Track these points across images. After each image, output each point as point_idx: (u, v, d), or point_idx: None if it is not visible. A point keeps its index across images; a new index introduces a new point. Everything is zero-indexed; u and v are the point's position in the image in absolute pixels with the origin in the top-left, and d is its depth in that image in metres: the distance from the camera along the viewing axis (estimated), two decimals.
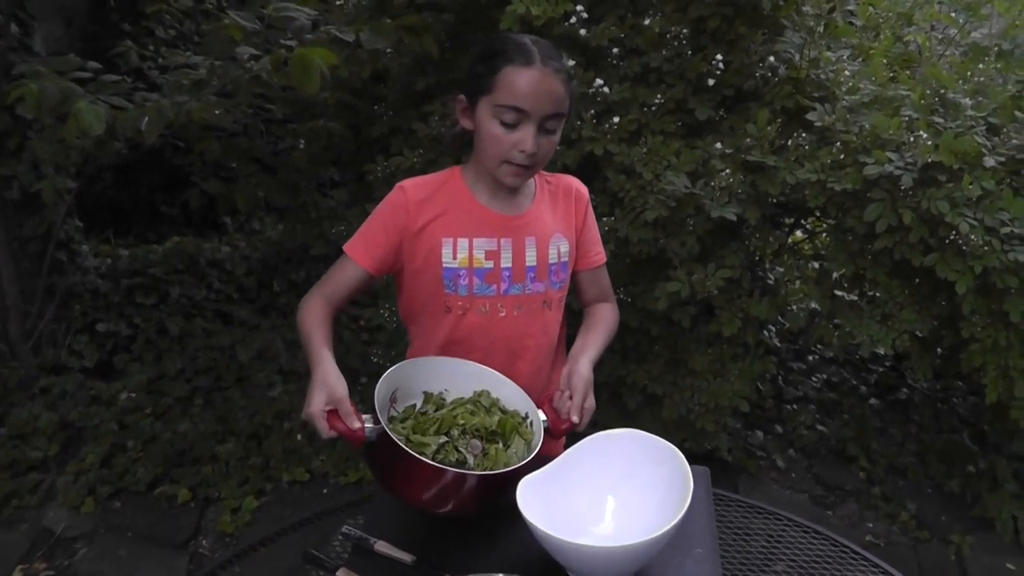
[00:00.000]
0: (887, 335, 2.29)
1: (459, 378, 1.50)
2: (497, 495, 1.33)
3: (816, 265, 2.91)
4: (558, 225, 1.61)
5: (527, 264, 1.56)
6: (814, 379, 3.90)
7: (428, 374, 1.49)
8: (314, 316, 1.49)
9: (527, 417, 1.47)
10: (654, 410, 2.92)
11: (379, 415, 1.31)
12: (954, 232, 2.13)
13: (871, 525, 3.04)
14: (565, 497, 1.37)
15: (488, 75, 1.44)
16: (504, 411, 1.48)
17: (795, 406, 3.69)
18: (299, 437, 3.38)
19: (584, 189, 1.68)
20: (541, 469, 1.36)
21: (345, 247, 1.54)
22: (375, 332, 3.73)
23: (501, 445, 1.42)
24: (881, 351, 2.54)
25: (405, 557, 1.36)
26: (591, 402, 1.48)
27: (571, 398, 1.46)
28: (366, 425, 1.30)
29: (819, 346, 4.12)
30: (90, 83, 2.74)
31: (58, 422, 3.36)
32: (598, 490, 1.40)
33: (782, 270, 2.98)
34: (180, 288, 4.12)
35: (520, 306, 1.58)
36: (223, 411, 3.50)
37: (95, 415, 3.42)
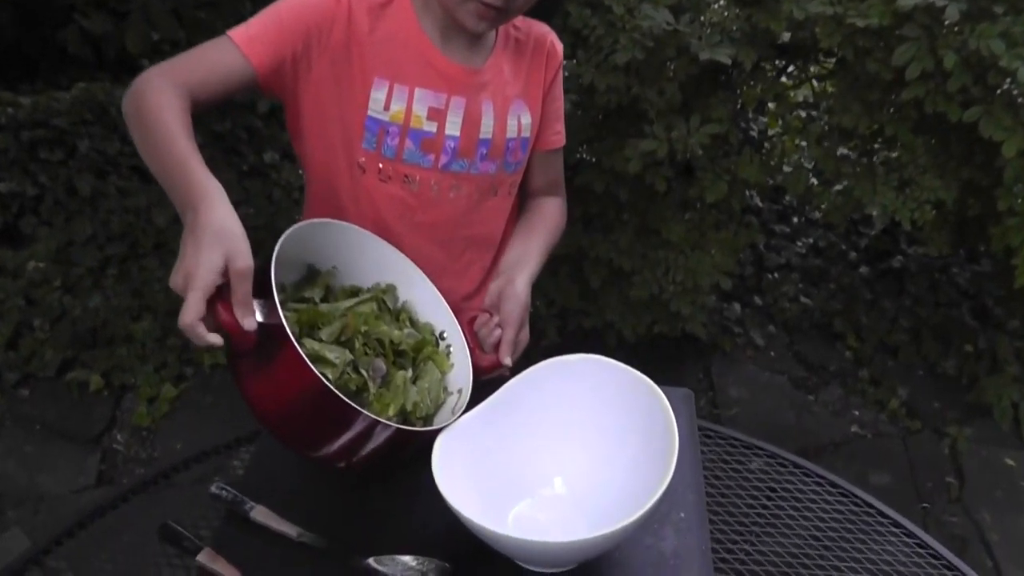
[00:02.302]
0: (905, 205, 1.90)
1: (358, 257, 1.09)
2: (410, 451, 0.98)
3: (817, 117, 2.47)
4: (520, 88, 1.21)
5: (480, 136, 1.18)
6: (799, 244, 3.56)
7: (318, 243, 1.05)
8: (173, 109, 0.98)
9: (444, 337, 1.09)
10: (621, 289, 2.57)
11: (279, 309, 0.86)
12: (1009, 80, 1.70)
13: (857, 413, 2.77)
14: (502, 448, 1.03)
15: None
16: (414, 322, 1.10)
17: (777, 275, 3.36)
18: None
19: (559, 46, 1.26)
20: (470, 412, 1.01)
21: (230, 32, 1.07)
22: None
23: (409, 374, 1.03)
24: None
25: (290, 530, 1.02)
26: (525, 335, 1.10)
27: (501, 328, 1.11)
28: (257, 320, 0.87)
29: (799, 209, 3.75)
30: None
31: None
32: (547, 439, 1.05)
33: (773, 126, 2.55)
34: (90, 141, 3.64)
35: (459, 187, 1.19)
36: (139, 283, 3.13)
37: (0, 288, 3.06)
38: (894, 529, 1.21)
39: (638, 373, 1.01)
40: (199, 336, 0.83)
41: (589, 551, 0.90)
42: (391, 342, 1.04)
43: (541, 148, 1.29)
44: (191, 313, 0.82)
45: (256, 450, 1.19)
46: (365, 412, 0.87)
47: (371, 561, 0.95)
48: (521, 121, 1.21)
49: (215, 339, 0.84)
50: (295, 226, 0.97)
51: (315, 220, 1.04)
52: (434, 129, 1.14)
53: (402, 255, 1.11)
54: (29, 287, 3.09)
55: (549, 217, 1.33)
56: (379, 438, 0.92)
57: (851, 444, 2.64)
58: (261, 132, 4.00)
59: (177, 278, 0.84)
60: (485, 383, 1.06)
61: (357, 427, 0.89)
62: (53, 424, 2.67)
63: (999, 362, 2.77)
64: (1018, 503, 2.46)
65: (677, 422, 0.95)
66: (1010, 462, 2.57)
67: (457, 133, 1.16)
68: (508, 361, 1.11)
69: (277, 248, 0.91)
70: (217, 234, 0.84)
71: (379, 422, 0.89)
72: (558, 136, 1.31)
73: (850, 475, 2.48)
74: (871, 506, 1.23)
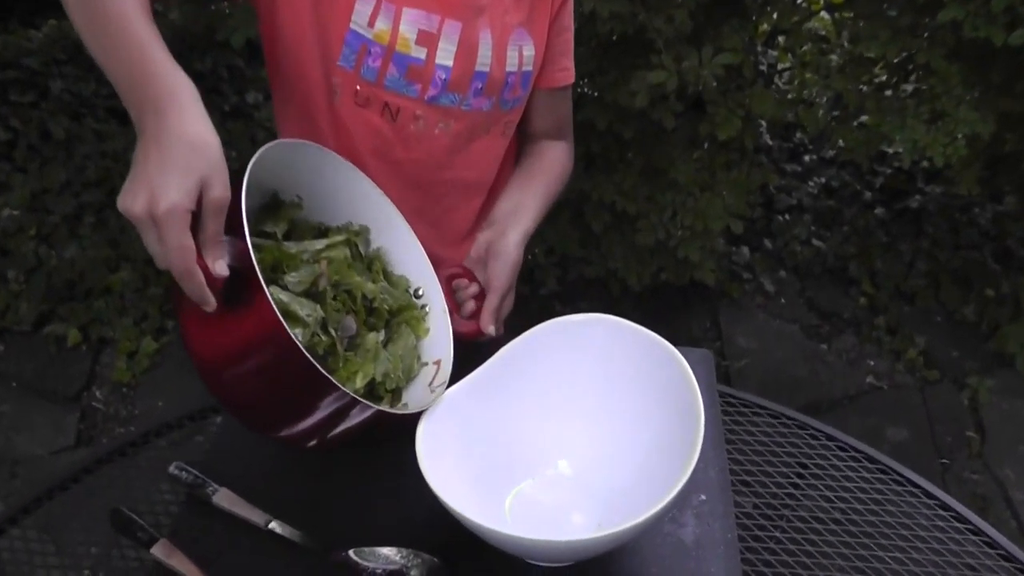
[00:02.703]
0: (937, 140, 1.73)
1: (331, 189, 0.92)
2: (384, 432, 0.83)
3: (834, 48, 2.29)
4: (524, 16, 1.05)
5: (476, 68, 1.02)
6: (810, 184, 3.39)
7: (287, 167, 0.87)
8: None
9: (420, 295, 0.94)
10: (625, 234, 2.40)
11: (251, 253, 0.70)
12: None
13: (872, 363, 2.64)
14: (497, 426, 0.89)
15: None
16: (387, 273, 0.95)
17: (788, 216, 3.20)
18: None
19: None
20: (457, 384, 0.87)
21: None
22: None
23: (381, 336, 0.89)
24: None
25: (258, 518, 0.89)
26: (511, 301, 0.96)
27: (483, 294, 0.97)
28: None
29: (812, 146, 3.57)
30: None
31: None
32: (550, 414, 0.91)
33: (784, 60, 2.36)
34: (63, 82, 3.50)
35: (446, 123, 1.04)
36: (116, 231, 3.00)
37: None
38: (913, 489, 1.09)
39: (655, 336, 0.87)
40: (199, 285, 0.68)
41: (597, 549, 0.76)
42: (363, 297, 0.89)
43: (546, 85, 1.13)
44: (185, 252, 0.65)
45: (220, 424, 1.05)
46: (344, 388, 0.73)
47: (350, 554, 0.82)
48: (523, 53, 1.05)
49: (212, 299, 0.70)
50: (267, 146, 0.79)
51: (289, 140, 0.85)
52: (423, 56, 0.98)
53: (382, 193, 0.94)
54: (3, 237, 2.95)
55: (551, 164, 1.18)
56: (353, 419, 0.78)
57: (866, 397, 2.52)
58: (243, 72, 3.81)
59: (135, 202, 0.65)
60: (474, 348, 0.92)
61: (329, 405, 0.75)
62: (30, 382, 2.54)
63: (1022, 307, 2.63)
64: None
65: (696, 379, 0.82)
66: None
67: (449, 63, 1.00)
68: (491, 331, 0.96)
69: (247, 174, 0.73)
70: (192, 147, 0.67)
71: (359, 401, 0.74)
72: (566, 72, 1.14)
73: (865, 430, 2.37)
74: (889, 468, 1.11)
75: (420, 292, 0.94)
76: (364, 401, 0.75)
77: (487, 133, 1.09)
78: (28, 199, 3.06)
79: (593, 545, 0.74)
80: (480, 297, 0.99)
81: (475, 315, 0.97)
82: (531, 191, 1.11)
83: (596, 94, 2.20)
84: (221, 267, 0.69)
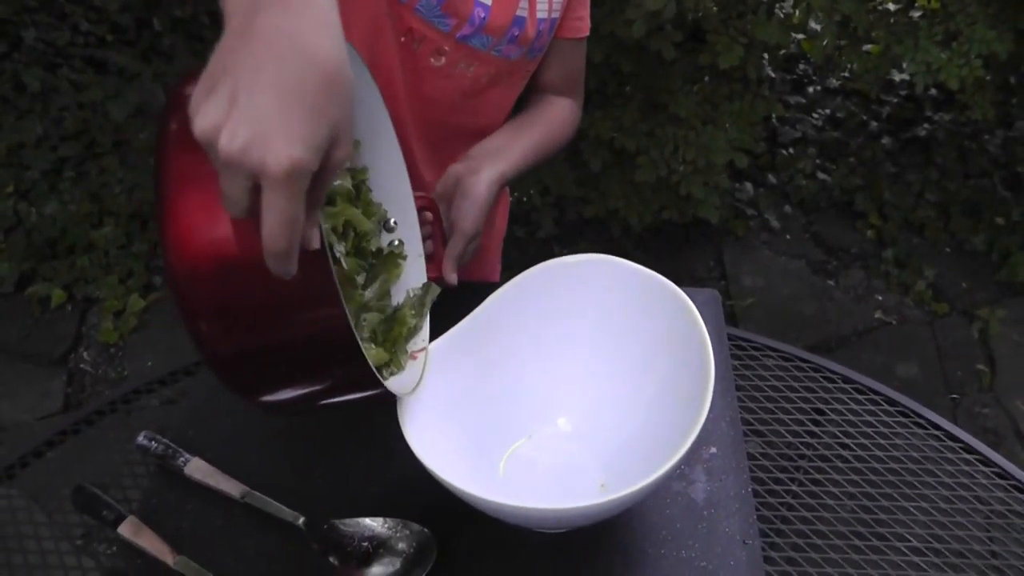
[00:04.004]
0: (952, 62, 1.63)
1: None
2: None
3: None
4: None
5: (516, 13, 0.93)
6: (815, 116, 3.27)
7: None
8: None
9: (393, 228, 0.84)
10: (624, 172, 2.30)
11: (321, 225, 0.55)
12: None
13: (880, 298, 2.56)
14: (489, 381, 0.82)
15: None
16: (368, 202, 0.82)
17: (792, 150, 3.10)
18: None
19: None
20: (443, 336, 0.79)
21: None
22: None
23: (361, 281, 0.78)
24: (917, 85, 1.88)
25: (232, 489, 0.82)
26: (477, 246, 0.87)
27: (444, 237, 0.88)
28: None
29: (815, 77, 3.44)
30: None
31: None
32: (545, 365, 0.83)
33: None
34: (36, 31, 3.34)
35: (469, 66, 0.95)
36: (97, 186, 2.90)
37: None
38: (926, 425, 1.03)
39: (657, 275, 0.79)
40: (289, 258, 0.49)
41: (601, 515, 0.70)
42: (356, 234, 0.77)
43: (559, 35, 1.03)
44: (295, 225, 0.47)
45: (193, 390, 0.98)
46: (373, 368, 0.61)
47: (332, 526, 0.76)
48: (552, 0, 0.96)
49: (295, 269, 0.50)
50: None
51: None
52: None
53: (383, 104, 0.79)
54: None
55: (553, 117, 1.08)
56: (352, 393, 0.67)
57: (875, 332, 2.45)
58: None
59: (233, 137, 0.45)
60: (456, 296, 0.83)
61: (342, 376, 0.64)
62: (13, 345, 2.47)
63: None
64: None
65: (704, 322, 0.74)
66: None
67: (489, 2, 0.90)
68: (453, 279, 0.86)
69: None
70: (326, 79, 0.47)
71: (376, 381, 0.63)
72: (581, 23, 1.05)
73: (874, 367, 2.30)
74: (901, 404, 1.04)
75: (393, 224, 0.83)
76: (380, 379, 0.63)
77: (507, 81, 1.00)
78: (4, 155, 2.96)
79: (596, 511, 0.67)
80: (441, 238, 0.90)
81: (434, 258, 0.87)
82: (522, 137, 1.02)
83: (592, 25, 2.09)
84: (315, 237, 0.53)
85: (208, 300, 0.56)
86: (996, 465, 0.99)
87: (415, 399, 0.72)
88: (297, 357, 0.60)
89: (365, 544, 0.75)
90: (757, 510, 0.81)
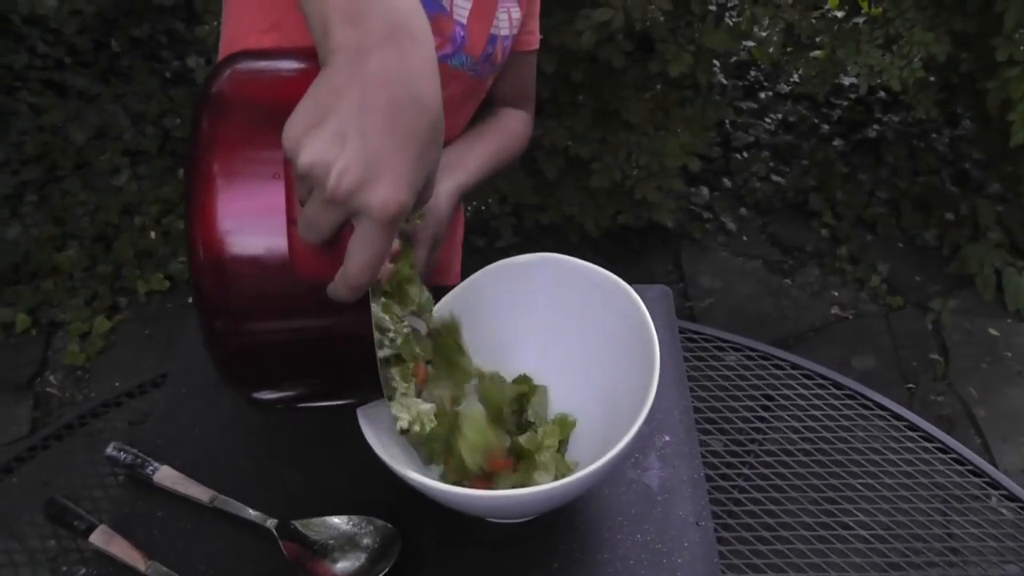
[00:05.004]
0: (893, 64, 1.69)
1: None
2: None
3: None
4: None
5: (492, 31, 0.95)
6: (767, 120, 3.35)
7: None
8: None
9: None
10: (579, 178, 2.34)
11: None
12: None
13: (836, 294, 2.63)
14: None
15: None
16: None
17: (746, 154, 3.17)
18: (152, 235, 2.79)
19: None
20: None
21: None
22: None
23: None
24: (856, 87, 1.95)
25: (201, 494, 0.84)
26: (435, 259, 0.91)
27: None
28: None
29: (767, 83, 3.52)
30: None
31: None
32: (497, 362, 0.85)
33: None
34: None
35: (448, 85, 0.97)
36: (60, 209, 2.89)
37: None
38: (881, 412, 1.08)
39: (605, 271, 0.82)
40: (356, 297, 0.52)
41: (557, 500, 0.73)
42: None
43: (513, 49, 1.06)
44: (382, 260, 0.50)
45: (160, 399, 1.00)
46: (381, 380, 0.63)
47: (297, 526, 0.78)
48: (512, 15, 0.99)
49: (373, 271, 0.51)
50: None
51: None
52: (448, 6, 0.91)
53: None
54: None
55: (507, 129, 1.11)
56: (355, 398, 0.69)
57: (832, 328, 2.51)
58: (182, 35, 3.66)
59: (345, 173, 0.46)
60: None
61: (353, 386, 0.65)
62: None
63: (981, 228, 2.64)
64: (1003, 375, 2.36)
65: (655, 325, 0.77)
66: (994, 332, 2.46)
67: (464, 19, 0.92)
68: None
69: None
70: (432, 126, 0.49)
71: (380, 390, 0.64)
72: (531, 37, 1.08)
73: (832, 360, 2.37)
74: (856, 392, 1.09)
75: None
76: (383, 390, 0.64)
77: (475, 98, 1.03)
78: None
79: (551, 496, 0.69)
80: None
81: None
82: (477, 149, 1.04)
83: (542, 37, 2.13)
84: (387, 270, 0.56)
85: (235, 298, 0.55)
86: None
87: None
88: (311, 363, 0.61)
89: (332, 542, 0.78)
90: (710, 494, 0.85)
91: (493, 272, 0.85)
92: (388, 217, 0.47)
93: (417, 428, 0.69)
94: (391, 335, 0.67)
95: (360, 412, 0.72)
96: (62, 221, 2.84)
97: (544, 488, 0.66)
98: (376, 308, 0.64)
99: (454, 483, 0.74)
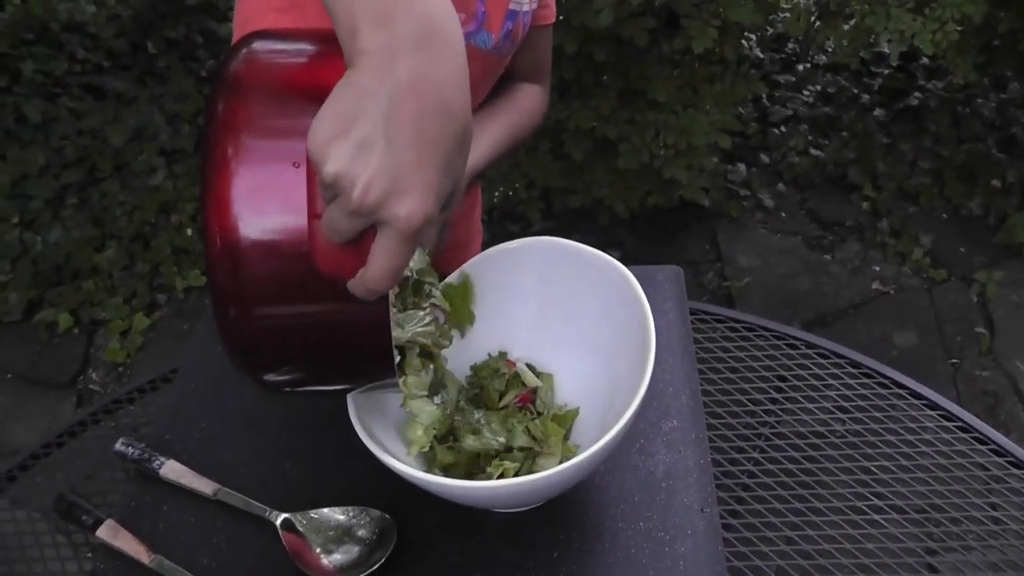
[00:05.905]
0: (925, 28, 1.63)
1: None
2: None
3: None
4: None
5: (512, 6, 0.93)
6: (805, 92, 3.26)
7: None
8: None
9: None
10: (608, 160, 2.30)
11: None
12: None
13: (877, 268, 2.55)
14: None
15: None
16: None
17: (783, 128, 3.09)
18: (189, 232, 2.83)
19: None
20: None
21: None
22: None
23: None
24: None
25: (205, 488, 0.85)
26: (446, 236, 0.89)
27: None
28: None
29: (811, 53, 3.43)
30: None
31: None
32: (495, 345, 0.85)
33: None
34: (33, 63, 3.37)
35: (472, 63, 0.96)
36: (99, 210, 2.95)
37: None
38: (914, 401, 1.03)
39: (599, 253, 0.80)
40: (375, 298, 0.52)
41: (557, 487, 0.71)
42: None
43: (532, 24, 1.04)
44: (403, 268, 0.49)
45: (166, 395, 1.01)
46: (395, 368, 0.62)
47: (294, 518, 0.78)
48: None
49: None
50: None
51: None
52: None
53: None
54: None
55: (521, 105, 1.09)
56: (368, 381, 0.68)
57: (873, 303, 2.44)
58: (218, 34, 3.71)
59: (371, 186, 0.45)
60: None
61: (368, 371, 0.63)
62: (24, 371, 2.52)
63: None
64: None
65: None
66: None
67: None
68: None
69: None
70: (460, 137, 0.48)
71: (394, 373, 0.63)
72: (547, 11, 1.06)
73: (873, 337, 2.30)
74: (873, 371, 1.04)
75: None
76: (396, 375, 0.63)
77: (493, 75, 1.01)
78: (7, 187, 3.01)
79: (550, 483, 0.67)
80: None
81: None
82: (491, 126, 1.03)
83: (562, 17, 2.10)
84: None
85: (249, 284, 0.53)
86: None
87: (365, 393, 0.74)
88: (325, 349, 0.59)
89: (331, 533, 0.78)
90: (718, 479, 0.83)
91: (481, 262, 0.83)
92: (412, 230, 0.46)
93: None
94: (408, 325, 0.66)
95: (351, 405, 0.71)
96: (101, 222, 2.90)
97: (540, 476, 0.64)
98: (391, 296, 0.63)
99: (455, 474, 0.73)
